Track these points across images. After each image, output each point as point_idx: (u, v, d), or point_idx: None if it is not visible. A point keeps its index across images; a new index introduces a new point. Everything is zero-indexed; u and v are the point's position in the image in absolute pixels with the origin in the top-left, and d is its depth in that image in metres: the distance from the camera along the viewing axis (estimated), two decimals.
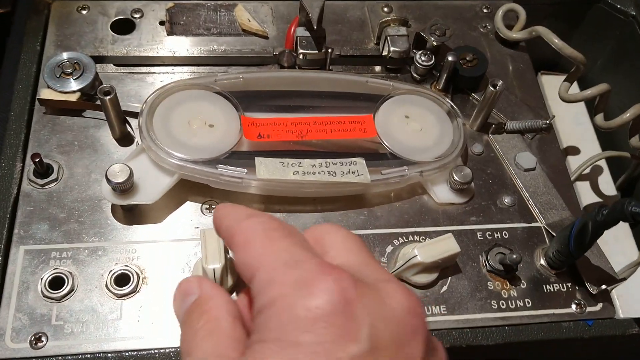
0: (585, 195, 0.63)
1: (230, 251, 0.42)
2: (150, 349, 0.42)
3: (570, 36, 0.68)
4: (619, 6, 0.63)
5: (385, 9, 0.60)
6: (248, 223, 0.29)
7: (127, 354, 0.41)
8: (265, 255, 0.28)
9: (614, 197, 0.63)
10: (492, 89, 0.49)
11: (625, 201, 0.39)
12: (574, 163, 0.65)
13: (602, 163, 0.65)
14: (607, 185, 0.64)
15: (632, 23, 0.62)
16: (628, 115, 0.53)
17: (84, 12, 0.56)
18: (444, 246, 0.45)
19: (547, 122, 0.53)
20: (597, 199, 0.63)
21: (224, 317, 0.28)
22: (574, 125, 0.67)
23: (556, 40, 0.53)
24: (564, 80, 0.56)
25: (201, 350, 0.28)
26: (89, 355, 0.41)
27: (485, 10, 0.61)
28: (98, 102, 0.48)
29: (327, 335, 0.24)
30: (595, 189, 0.64)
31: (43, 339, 0.41)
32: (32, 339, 0.41)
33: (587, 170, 0.63)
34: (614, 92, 0.66)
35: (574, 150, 0.66)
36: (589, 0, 0.64)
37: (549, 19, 0.65)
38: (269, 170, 0.46)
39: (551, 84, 0.69)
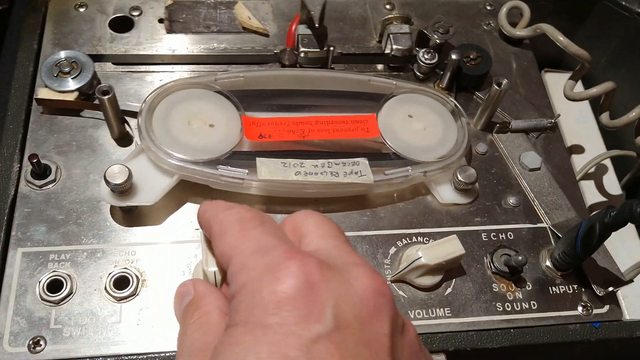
0: (590, 194, 0.63)
1: None
2: (150, 353, 0.41)
3: (575, 33, 0.67)
4: (623, 3, 0.62)
5: (388, 6, 0.59)
6: (224, 214, 0.31)
7: (126, 357, 0.41)
8: (238, 244, 0.30)
9: (619, 197, 0.63)
10: (497, 87, 0.48)
11: (634, 202, 0.38)
12: (578, 162, 0.64)
13: (607, 162, 0.64)
14: (612, 184, 0.64)
15: (637, 20, 0.62)
16: (634, 114, 0.53)
17: (81, 9, 0.55)
18: (449, 248, 0.44)
19: (552, 121, 0.52)
20: (602, 199, 0.62)
21: (214, 312, 0.30)
22: (579, 123, 0.66)
23: (561, 38, 0.53)
24: (569, 79, 0.56)
25: (190, 340, 0.30)
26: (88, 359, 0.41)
27: (488, 7, 0.60)
28: (96, 102, 0.47)
29: (292, 317, 0.26)
30: (600, 188, 0.63)
31: (41, 342, 0.41)
32: (31, 343, 0.40)
33: (592, 170, 0.62)
34: (618, 90, 0.65)
35: (579, 149, 0.65)
36: None
37: (553, 16, 0.64)
38: (270, 170, 0.45)
39: (555, 81, 0.68)
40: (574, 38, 0.65)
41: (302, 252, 0.28)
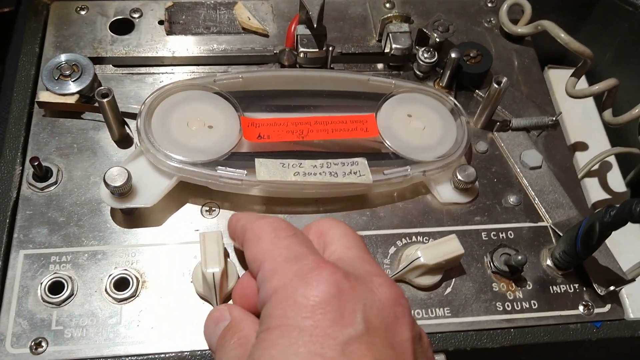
0: (594, 192, 0.62)
1: (230, 255, 0.43)
2: (151, 354, 0.41)
3: (578, 29, 0.66)
4: None
5: (388, 5, 0.59)
6: (260, 222, 0.34)
7: (126, 358, 0.41)
8: (271, 251, 0.32)
9: (623, 194, 0.62)
10: (496, 86, 0.48)
11: (634, 202, 0.38)
12: (582, 159, 0.63)
13: (612, 159, 0.64)
14: (617, 181, 0.63)
15: None
16: (637, 110, 0.52)
17: (82, 12, 0.56)
18: (448, 247, 0.44)
19: (554, 118, 0.52)
20: (606, 196, 0.62)
21: (253, 335, 0.31)
22: (583, 120, 0.66)
23: (562, 35, 0.52)
24: (571, 76, 0.55)
25: (226, 357, 0.32)
26: None
27: (489, 5, 0.60)
28: (96, 104, 0.48)
29: (326, 320, 0.28)
30: (604, 185, 0.62)
31: (43, 344, 0.41)
32: (32, 344, 0.41)
33: (596, 167, 0.62)
34: (623, 86, 0.64)
35: (583, 146, 0.64)
36: None
37: (556, 12, 0.64)
38: (269, 171, 0.45)
39: (558, 78, 0.68)
40: (578, 33, 0.65)
41: (330, 262, 0.31)
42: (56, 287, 0.43)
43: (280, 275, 0.30)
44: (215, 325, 0.35)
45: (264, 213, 0.47)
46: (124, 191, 0.44)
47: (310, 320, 0.28)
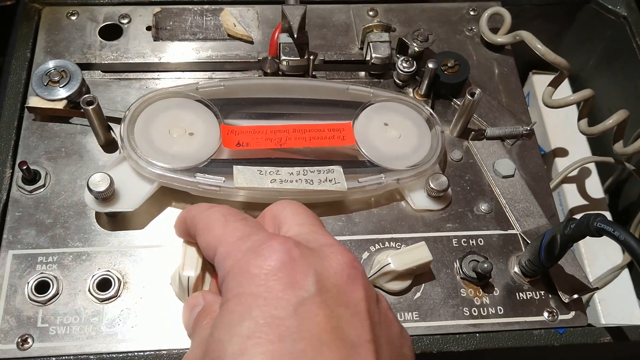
0: (572, 197, 0.64)
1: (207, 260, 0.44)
2: (130, 352, 0.43)
3: (562, 37, 0.67)
4: (609, 6, 0.62)
5: (371, 13, 0.60)
6: (210, 211, 0.36)
7: (107, 356, 0.43)
8: (223, 235, 0.34)
9: (601, 200, 0.63)
10: (470, 97, 0.49)
11: (591, 217, 0.39)
12: (562, 164, 0.65)
13: (591, 165, 0.65)
14: (595, 187, 0.64)
15: (623, 24, 0.62)
16: (611, 121, 0.53)
17: (73, 17, 0.57)
18: (417, 254, 0.46)
19: (528, 128, 0.53)
20: (584, 202, 0.63)
21: None
22: (564, 126, 0.67)
23: (539, 46, 0.53)
24: (548, 85, 0.56)
25: (199, 336, 0.33)
26: (72, 357, 0.43)
27: (472, 13, 0.61)
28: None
29: (278, 285, 0.30)
30: (582, 191, 0.64)
31: (29, 340, 0.43)
32: (19, 340, 0.43)
33: (575, 173, 0.63)
34: (604, 92, 0.66)
35: (563, 152, 0.66)
36: (579, 1, 0.63)
37: (539, 19, 0.65)
38: (246, 178, 0.47)
39: (543, 83, 0.69)
40: (560, 41, 0.66)
41: (280, 235, 0.33)
42: (42, 287, 0.45)
43: (234, 253, 0.32)
44: (190, 311, 0.37)
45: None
46: (107, 196, 0.46)
47: (263, 287, 0.30)
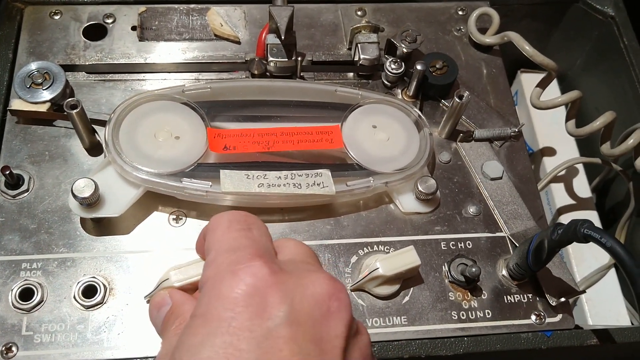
0: (560, 197, 0.64)
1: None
2: (117, 359, 0.43)
3: (549, 36, 0.67)
4: (597, 6, 0.62)
5: (359, 13, 0.59)
6: (221, 214, 0.34)
7: None
8: (219, 240, 0.32)
9: (588, 200, 0.64)
10: (458, 100, 0.49)
11: (578, 222, 0.40)
12: (550, 164, 0.65)
13: (579, 165, 0.65)
14: (583, 187, 0.65)
15: (611, 24, 0.62)
16: (598, 123, 0.53)
17: (56, 17, 0.56)
18: (405, 259, 0.45)
19: (516, 130, 0.53)
20: (572, 202, 0.64)
21: None
22: (553, 125, 0.67)
23: (527, 47, 0.53)
24: (536, 86, 0.56)
25: (169, 342, 0.32)
26: None
27: (460, 13, 0.61)
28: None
29: (246, 313, 0.28)
30: (570, 191, 0.64)
31: (13, 349, 0.43)
32: (3, 349, 0.43)
33: (563, 172, 0.63)
34: (592, 92, 0.66)
35: (551, 152, 0.66)
36: (567, 0, 0.63)
37: (528, 18, 0.65)
38: (233, 183, 0.46)
39: (531, 82, 0.69)
40: (549, 40, 0.66)
41: (266, 256, 0.31)
42: (26, 294, 0.44)
43: (216, 264, 0.31)
44: (157, 310, 0.35)
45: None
46: (92, 202, 0.45)
47: (230, 312, 0.28)
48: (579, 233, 0.39)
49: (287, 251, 0.34)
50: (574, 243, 0.59)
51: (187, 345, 0.29)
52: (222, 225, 0.33)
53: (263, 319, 0.28)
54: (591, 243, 0.59)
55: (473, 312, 0.47)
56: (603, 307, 0.58)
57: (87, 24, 0.56)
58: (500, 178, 0.52)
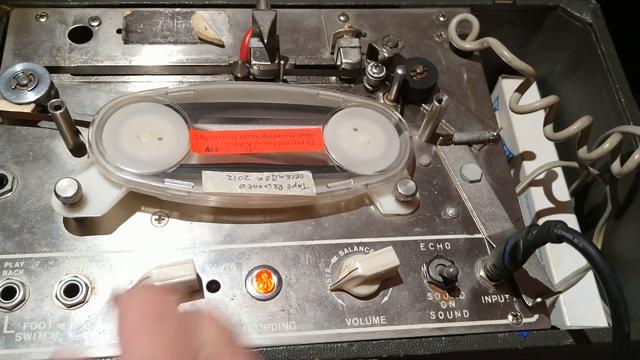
0: (539, 200, 0.65)
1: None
2: (98, 358, 0.43)
3: (530, 42, 0.69)
4: (576, 14, 0.63)
5: (342, 18, 0.60)
6: (129, 304, 0.32)
7: None
8: (129, 344, 0.30)
9: (566, 203, 0.65)
10: (437, 104, 0.50)
11: (552, 223, 0.40)
12: (529, 168, 0.66)
13: (558, 168, 0.66)
14: (561, 190, 0.66)
15: (589, 31, 0.63)
16: (575, 127, 0.54)
17: (42, 19, 0.57)
18: (384, 259, 0.46)
19: (495, 133, 0.54)
20: (550, 205, 0.65)
21: None
22: (533, 129, 0.68)
23: (505, 53, 0.54)
24: (515, 91, 0.57)
25: None
26: None
27: (441, 19, 0.62)
28: None
29: None
30: (549, 194, 0.65)
31: None
32: None
33: (542, 176, 0.64)
34: (570, 97, 0.67)
35: (530, 155, 0.67)
36: (546, 7, 0.65)
37: (508, 24, 0.66)
38: (215, 184, 0.47)
39: (512, 87, 0.69)
40: (529, 46, 0.67)
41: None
42: (8, 293, 0.45)
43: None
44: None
45: (212, 223, 0.49)
46: (75, 201, 0.46)
47: None
48: (552, 233, 0.40)
49: (205, 334, 0.32)
50: (553, 245, 0.60)
51: None
52: (132, 321, 0.31)
53: None
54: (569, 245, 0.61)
55: (451, 312, 0.48)
56: (581, 308, 0.59)
57: (73, 26, 0.57)
58: (479, 181, 0.53)
